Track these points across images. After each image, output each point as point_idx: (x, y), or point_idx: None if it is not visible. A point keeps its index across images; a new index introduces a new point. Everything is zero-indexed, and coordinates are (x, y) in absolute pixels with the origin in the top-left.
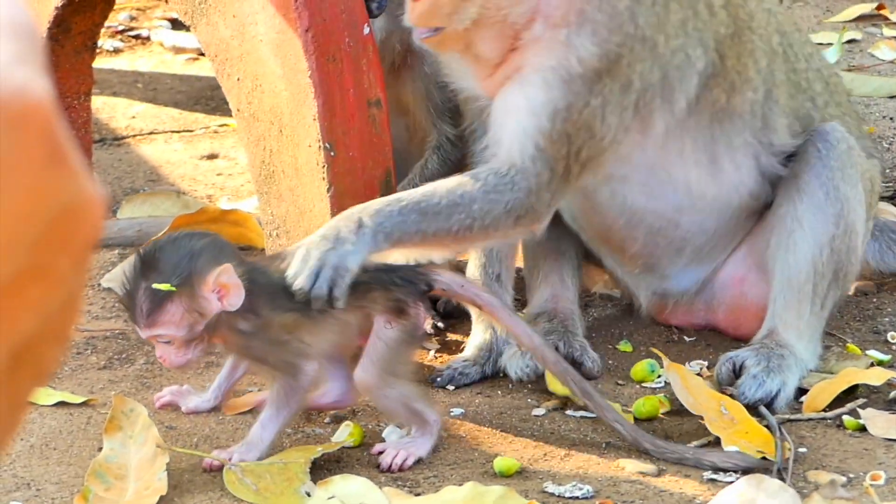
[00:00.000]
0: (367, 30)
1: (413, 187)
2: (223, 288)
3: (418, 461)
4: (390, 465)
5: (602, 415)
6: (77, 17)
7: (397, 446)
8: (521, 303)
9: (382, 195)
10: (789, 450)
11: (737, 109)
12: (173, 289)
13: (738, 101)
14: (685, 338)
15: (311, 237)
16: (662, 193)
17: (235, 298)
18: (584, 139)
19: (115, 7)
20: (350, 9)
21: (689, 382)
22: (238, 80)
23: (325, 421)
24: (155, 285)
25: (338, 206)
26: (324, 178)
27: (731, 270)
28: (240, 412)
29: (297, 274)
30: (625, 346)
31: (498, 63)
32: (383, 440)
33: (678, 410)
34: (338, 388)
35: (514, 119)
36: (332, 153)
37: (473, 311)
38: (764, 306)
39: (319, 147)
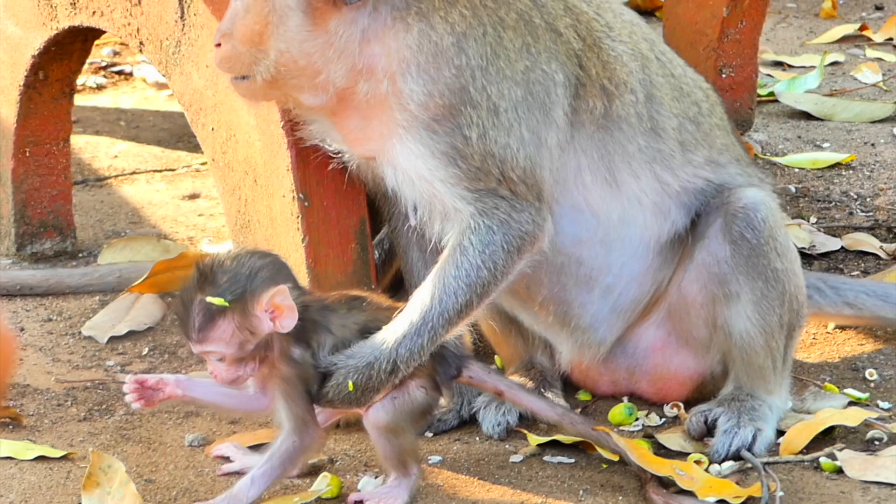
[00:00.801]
0: None
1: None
2: (277, 309)
3: None
4: None
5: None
6: (54, 64)
7: (376, 496)
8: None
9: (357, 244)
10: (775, 489)
11: (620, 114)
12: (227, 304)
13: (618, 106)
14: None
15: (350, 362)
16: (561, 227)
17: (288, 321)
18: (498, 164)
19: (98, 42)
20: None
21: (638, 452)
22: (212, 129)
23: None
24: (209, 299)
25: (313, 255)
26: (298, 229)
27: (651, 335)
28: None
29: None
30: (584, 395)
31: (351, 126)
32: (358, 491)
33: (657, 452)
34: None
35: (422, 183)
36: (306, 203)
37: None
38: (688, 374)
39: (293, 198)
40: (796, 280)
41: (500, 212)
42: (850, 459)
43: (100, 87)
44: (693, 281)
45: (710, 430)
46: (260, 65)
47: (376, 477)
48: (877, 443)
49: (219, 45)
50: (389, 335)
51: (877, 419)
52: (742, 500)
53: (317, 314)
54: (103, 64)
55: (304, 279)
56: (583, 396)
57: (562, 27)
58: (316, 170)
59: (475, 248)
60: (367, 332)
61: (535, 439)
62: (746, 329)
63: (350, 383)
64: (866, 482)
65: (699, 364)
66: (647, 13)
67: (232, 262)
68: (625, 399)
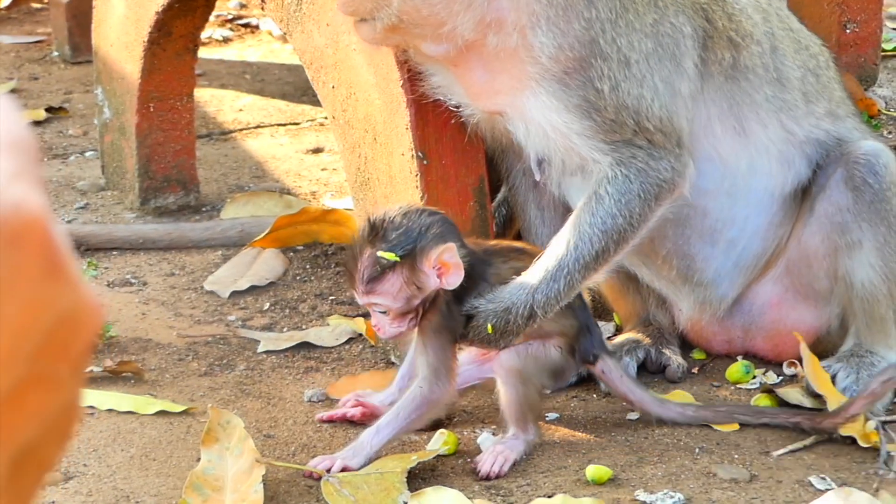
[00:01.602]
0: None
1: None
2: (444, 266)
3: (513, 466)
4: (488, 473)
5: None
6: (178, 20)
7: (493, 452)
8: None
9: (476, 202)
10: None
11: (747, 64)
12: (397, 259)
13: (745, 57)
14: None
15: (490, 306)
16: None
17: (454, 278)
18: (633, 115)
19: None
20: None
21: (819, 374)
22: (333, 87)
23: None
24: (380, 253)
25: None
26: (417, 187)
27: (768, 291)
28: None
29: (475, 338)
30: (698, 354)
31: (478, 79)
32: (478, 447)
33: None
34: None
35: (557, 136)
36: (425, 162)
37: None
38: (806, 330)
39: (412, 156)
40: None
41: (637, 161)
42: None
43: (226, 40)
44: (814, 233)
45: None
46: (382, 10)
47: (494, 434)
48: None
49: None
50: (527, 281)
51: None
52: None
53: (478, 267)
54: (230, 17)
55: None
56: (697, 355)
57: None
58: (435, 129)
59: (611, 196)
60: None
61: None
62: (869, 277)
63: (489, 326)
64: None
65: (817, 319)
66: None
67: (403, 218)
68: (739, 358)
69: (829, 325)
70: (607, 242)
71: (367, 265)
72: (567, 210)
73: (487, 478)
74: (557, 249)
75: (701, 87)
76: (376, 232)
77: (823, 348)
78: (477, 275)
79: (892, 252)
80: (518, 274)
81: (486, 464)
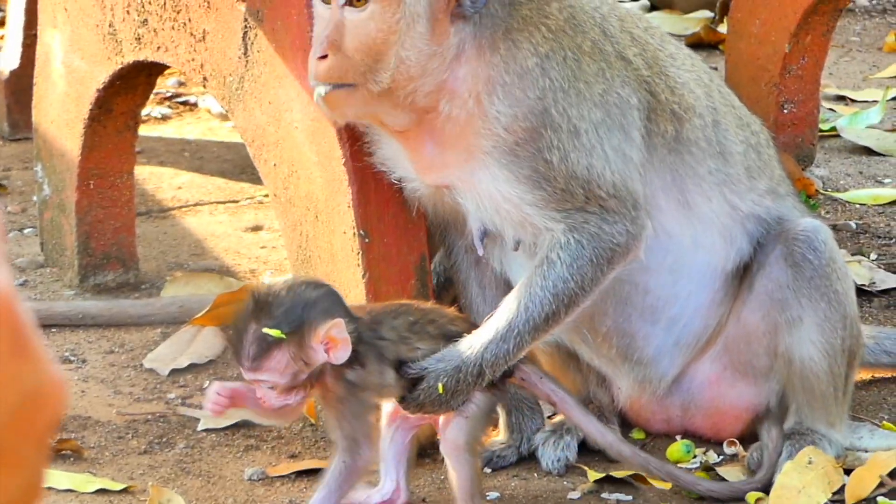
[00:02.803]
0: None
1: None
2: (332, 341)
3: None
4: None
5: (695, 488)
6: (118, 98)
7: None
8: None
9: (417, 280)
10: None
11: (690, 137)
12: (283, 336)
13: (688, 129)
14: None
15: (440, 365)
16: None
17: (342, 353)
18: (582, 185)
19: (165, 73)
20: None
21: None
22: (274, 165)
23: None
24: (265, 330)
25: (373, 291)
26: (359, 265)
27: (707, 370)
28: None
29: (426, 401)
30: (638, 434)
31: (429, 151)
32: None
33: None
34: (388, 487)
35: (509, 207)
36: (366, 240)
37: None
38: (745, 407)
39: (354, 234)
40: (854, 306)
41: (590, 226)
42: None
43: (164, 118)
44: (754, 310)
45: None
46: (378, 73)
47: None
48: None
49: (323, 56)
50: (476, 340)
51: None
52: None
53: (368, 334)
54: (168, 94)
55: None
56: (637, 435)
57: (630, 55)
58: (377, 207)
59: (563, 262)
60: (416, 327)
61: (593, 475)
62: (809, 354)
63: (440, 386)
64: None
65: (756, 396)
66: (710, 46)
67: (287, 293)
68: (678, 437)
69: (769, 402)
70: (558, 305)
71: (252, 342)
72: (509, 287)
73: None
74: (508, 310)
75: (646, 159)
76: (261, 308)
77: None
78: (366, 339)
79: (833, 328)
80: (412, 326)
81: None
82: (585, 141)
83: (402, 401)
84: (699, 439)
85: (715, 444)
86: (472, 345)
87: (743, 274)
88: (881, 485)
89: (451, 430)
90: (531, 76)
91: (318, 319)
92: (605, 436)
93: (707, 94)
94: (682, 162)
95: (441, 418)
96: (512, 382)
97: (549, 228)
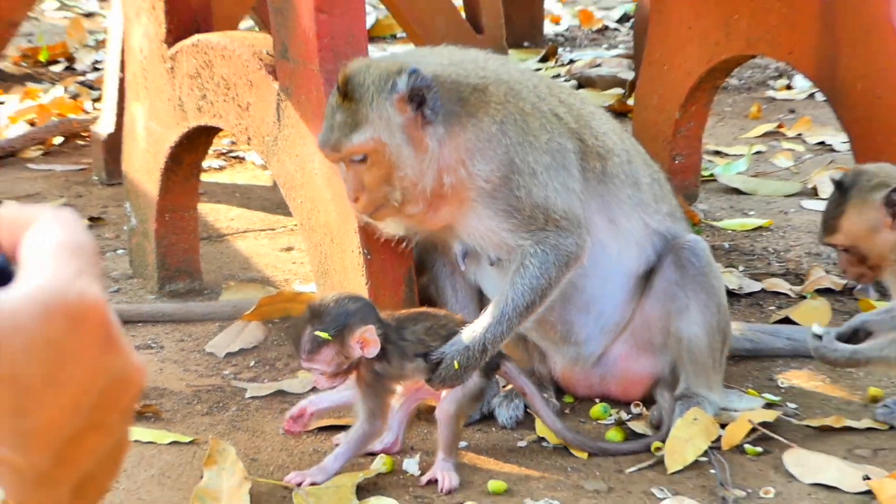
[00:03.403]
0: None
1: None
2: (365, 341)
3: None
4: (450, 488)
5: (617, 452)
6: (186, 153)
7: (444, 473)
8: None
9: (406, 286)
10: (724, 470)
11: (612, 172)
12: (330, 338)
13: (610, 166)
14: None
15: (453, 348)
16: None
17: (373, 350)
18: (542, 211)
19: (220, 135)
20: None
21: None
22: (301, 202)
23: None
24: (317, 332)
25: (374, 295)
26: (363, 275)
27: (619, 348)
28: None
29: (446, 377)
30: (568, 399)
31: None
32: (404, 469)
33: (628, 439)
34: (389, 438)
35: (491, 235)
36: (368, 257)
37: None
38: (647, 375)
39: (360, 253)
40: (725, 298)
41: (550, 240)
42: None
43: (221, 168)
44: (653, 303)
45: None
46: (394, 194)
47: (420, 459)
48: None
49: (356, 199)
50: (478, 326)
51: (785, 415)
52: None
53: (393, 336)
54: (223, 151)
55: None
56: (567, 399)
57: (561, 113)
58: (376, 232)
59: (534, 265)
60: (431, 331)
61: (540, 428)
62: (694, 332)
63: (456, 363)
64: (778, 461)
65: (654, 367)
66: (621, 114)
67: (334, 305)
68: (597, 400)
69: (664, 371)
70: (534, 297)
71: (307, 341)
72: (479, 293)
73: (450, 492)
74: (499, 303)
75: (584, 189)
76: (315, 315)
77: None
78: (392, 340)
79: (711, 313)
80: (429, 331)
81: (445, 482)
82: (541, 179)
83: (430, 381)
84: (613, 402)
85: (624, 404)
86: (475, 330)
87: (646, 276)
88: (748, 437)
89: (447, 402)
90: (496, 139)
91: (355, 325)
92: (554, 423)
93: (621, 140)
94: (607, 190)
95: (443, 392)
96: (497, 373)
97: (520, 245)
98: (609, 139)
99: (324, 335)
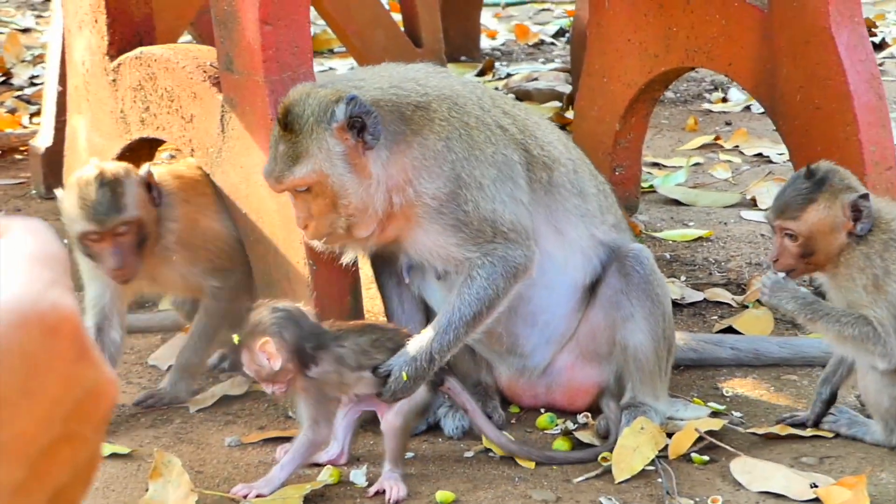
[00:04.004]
0: None
1: None
2: (267, 353)
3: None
4: (397, 499)
5: (566, 461)
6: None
7: (391, 484)
8: None
9: (351, 296)
10: (671, 479)
11: (558, 181)
12: (237, 341)
13: (556, 176)
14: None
15: (400, 360)
16: None
17: (276, 362)
18: (490, 224)
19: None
20: None
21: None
22: (245, 213)
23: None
24: (234, 336)
25: (320, 305)
26: (308, 287)
27: (565, 358)
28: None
29: (396, 389)
30: (514, 409)
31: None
32: (351, 480)
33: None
34: (335, 449)
35: (439, 250)
36: (314, 268)
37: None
38: (592, 385)
39: (305, 263)
40: (669, 307)
41: (498, 252)
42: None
43: None
44: (598, 312)
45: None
46: (340, 220)
47: (364, 469)
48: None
49: (305, 226)
50: (425, 337)
51: (731, 423)
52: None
53: (331, 342)
54: (159, 163)
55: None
56: (513, 409)
57: (506, 124)
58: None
59: (481, 277)
60: (377, 343)
61: (485, 441)
62: (640, 340)
63: (404, 374)
64: (725, 470)
65: (599, 376)
66: (560, 127)
67: (256, 312)
68: (542, 410)
69: (609, 381)
70: (481, 308)
71: (238, 346)
72: (422, 303)
73: (397, 502)
74: (446, 312)
75: (531, 199)
76: (245, 322)
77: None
78: (327, 347)
79: (656, 321)
80: (374, 343)
81: (393, 493)
82: (488, 192)
83: (380, 395)
84: (559, 411)
85: (570, 414)
86: (421, 341)
87: (591, 286)
88: (694, 446)
89: (392, 414)
90: (441, 155)
91: (259, 334)
92: (499, 437)
93: (567, 150)
94: (554, 200)
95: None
96: (441, 389)
97: (468, 258)
98: (555, 149)
99: (235, 339)
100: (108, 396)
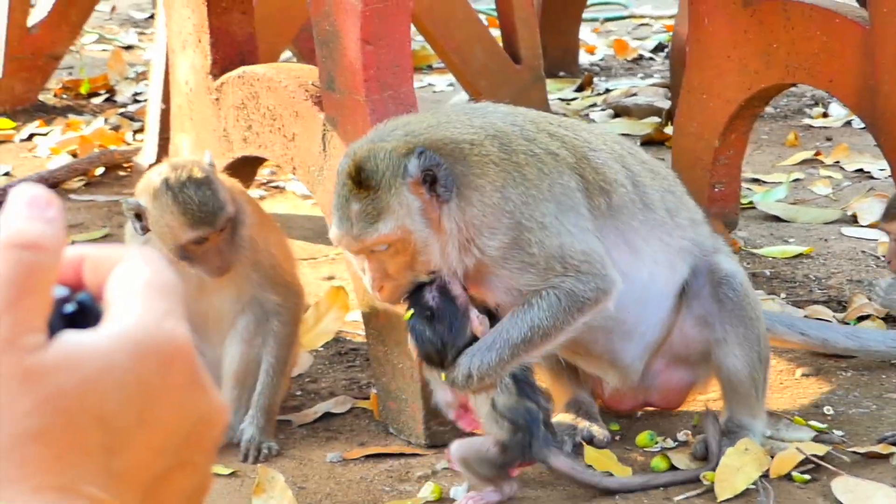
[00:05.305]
0: None
1: None
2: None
3: None
4: None
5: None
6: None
7: (476, 497)
8: None
9: None
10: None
11: (619, 204)
12: (409, 317)
13: (615, 198)
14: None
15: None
16: None
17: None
18: (559, 260)
19: (262, 165)
20: None
21: None
22: None
23: (414, 480)
24: (407, 312)
25: None
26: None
27: (660, 362)
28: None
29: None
30: (614, 426)
31: None
32: (451, 497)
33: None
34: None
35: (511, 293)
36: None
37: None
38: (684, 385)
39: None
40: (764, 328)
41: (565, 285)
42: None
43: (261, 198)
44: (692, 326)
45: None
46: (418, 277)
47: (462, 486)
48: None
49: (381, 288)
50: (471, 349)
51: (832, 442)
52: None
53: None
54: (264, 181)
55: None
56: (613, 427)
57: (555, 149)
58: None
59: (540, 308)
60: None
61: (588, 457)
62: (734, 364)
63: (443, 376)
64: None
65: (692, 376)
66: (659, 143)
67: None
68: (638, 413)
69: (703, 380)
70: (532, 335)
71: None
72: None
73: None
74: (493, 330)
75: (595, 226)
76: None
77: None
78: None
79: (750, 345)
80: None
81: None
82: (552, 229)
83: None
84: (657, 426)
85: (670, 433)
86: (469, 352)
87: (682, 292)
88: (796, 465)
89: (455, 446)
90: (499, 207)
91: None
92: (621, 482)
93: (622, 164)
94: (619, 222)
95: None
96: (524, 467)
97: (535, 291)
98: (609, 169)
99: (408, 314)
100: (218, 424)
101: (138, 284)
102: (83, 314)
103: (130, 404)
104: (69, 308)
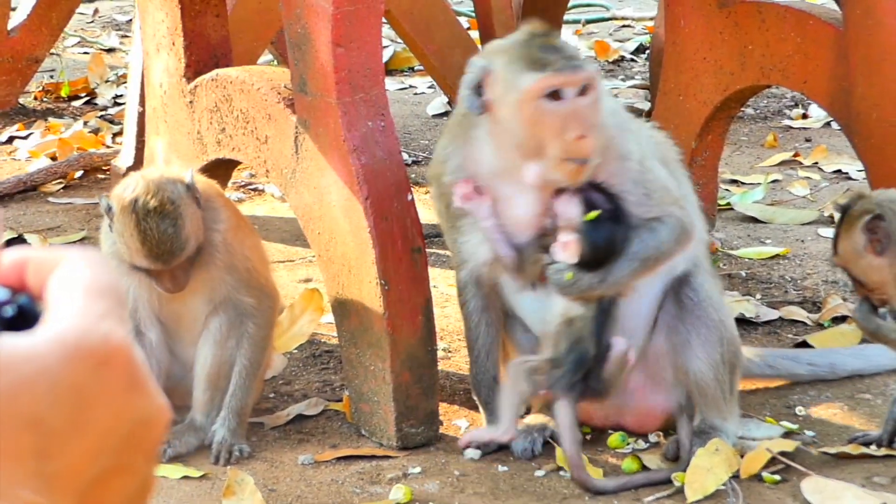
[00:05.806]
0: (409, 197)
1: None
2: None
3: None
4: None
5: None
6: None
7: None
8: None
9: (423, 316)
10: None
11: None
12: (592, 217)
13: None
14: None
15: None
16: None
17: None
18: (665, 191)
19: (239, 167)
20: (398, 181)
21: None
22: (318, 233)
23: (385, 482)
24: (591, 213)
25: (391, 326)
26: (381, 307)
27: (634, 381)
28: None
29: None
30: (586, 430)
31: None
32: (424, 492)
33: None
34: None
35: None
36: (386, 287)
37: None
38: (661, 409)
39: (377, 283)
40: (731, 328)
41: (675, 216)
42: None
43: (240, 200)
44: (660, 336)
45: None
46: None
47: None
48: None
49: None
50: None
51: (803, 443)
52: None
53: None
54: (242, 183)
55: (385, 343)
56: (585, 430)
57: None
58: (393, 263)
59: (661, 231)
60: None
61: (559, 458)
62: (699, 367)
63: (568, 275)
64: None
65: (667, 401)
66: None
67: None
68: (610, 431)
69: (679, 404)
70: (652, 253)
71: None
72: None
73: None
74: (630, 246)
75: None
76: None
77: (674, 423)
78: None
79: (713, 347)
80: None
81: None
82: (662, 179)
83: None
84: (629, 432)
85: (643, 435)
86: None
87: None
88: (766, 465)
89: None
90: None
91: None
92: (580, 471)
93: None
94: None
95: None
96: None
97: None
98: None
99: (592, 215)
100: (158, 425)
101: (77, 285)
102: (23, 317)
103: (64, 407)
104: (8, 311)
